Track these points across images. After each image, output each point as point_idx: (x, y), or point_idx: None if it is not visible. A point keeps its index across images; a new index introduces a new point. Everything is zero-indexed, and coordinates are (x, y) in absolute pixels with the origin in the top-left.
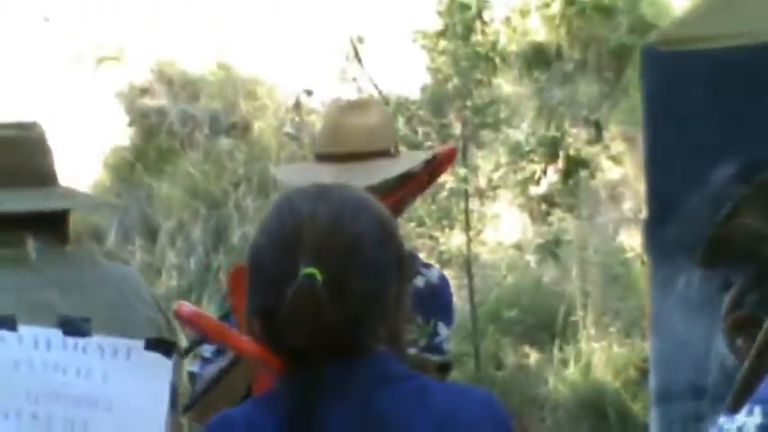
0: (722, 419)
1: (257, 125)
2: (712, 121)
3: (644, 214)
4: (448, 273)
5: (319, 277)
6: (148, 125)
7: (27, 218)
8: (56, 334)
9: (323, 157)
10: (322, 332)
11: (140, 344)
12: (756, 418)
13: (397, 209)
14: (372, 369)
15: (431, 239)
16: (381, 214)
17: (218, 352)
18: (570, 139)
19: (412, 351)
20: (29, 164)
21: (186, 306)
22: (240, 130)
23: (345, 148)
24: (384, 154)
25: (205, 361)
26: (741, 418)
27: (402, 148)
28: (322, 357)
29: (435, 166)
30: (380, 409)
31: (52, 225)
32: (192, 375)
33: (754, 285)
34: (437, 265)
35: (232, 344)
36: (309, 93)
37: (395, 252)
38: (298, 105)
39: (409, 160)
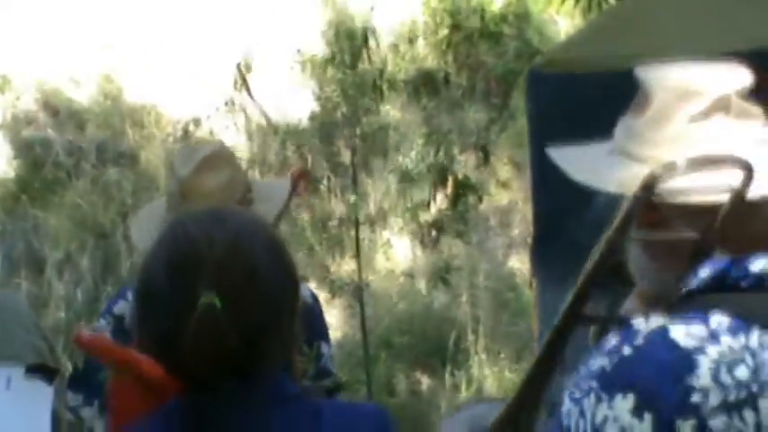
0: None
1: (144, 155)
2: (596, 141)
3: (532, 236)
4: (339, 301)
5: (218, 304)
6: (34, 156)
7: None
8: None
9: None
10: (223, 357)
11: (20, 371)
12: None
13: None
14: (268, 390)
15: (321, 268)
16: (275, 239)
17: (88, 400)
18: (459, 165)
19: (305, 383)
20: None
21: (85, 332)
22: (128, 159)
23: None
24: (243, 202)
25: (71, 412)
26: None
27: (258, 180)
28: (220, 379)
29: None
30: (276, 428)
31: None
32: None
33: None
34: (306, 286)
35: (134, 366)
36: (197, 122)
37: (289, 276)
38: (186, 134)
39: (271, 199)
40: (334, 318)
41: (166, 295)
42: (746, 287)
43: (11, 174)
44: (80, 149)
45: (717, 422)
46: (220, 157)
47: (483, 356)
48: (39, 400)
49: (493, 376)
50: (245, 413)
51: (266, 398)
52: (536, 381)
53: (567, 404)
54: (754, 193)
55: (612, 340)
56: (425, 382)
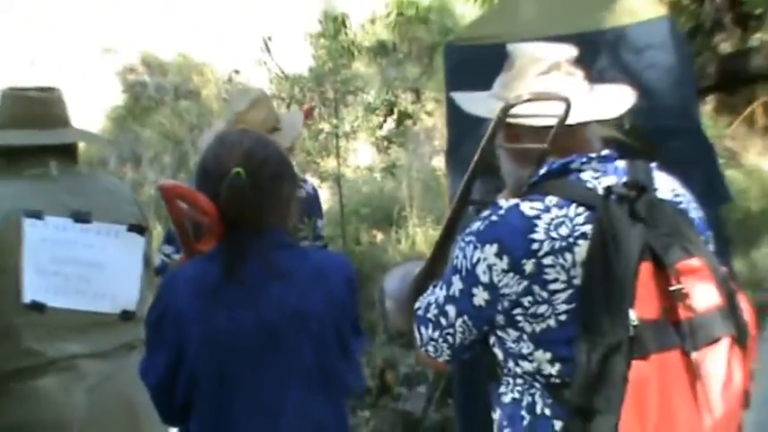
0: (429, 292)
1: (204, 92)
2: (486, 89)
3: (446, 147)
4: (325, 185)
5: (243, 175)
6: (135, 92)
7: (51, 148)
8: (69, 221)
9: None
10: (244, 210)
11: (124, 227)
12: (441, 292)
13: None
14: (273, 238)
15: (315, 164)
16: (280, 149)
17: (177, 251)
18: (401, 101)
19: (306, 243)
20: (52, 113)
21: (168, 181)
22: (194, 95)
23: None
24: (274, 130)
25: (166, 256)
26: (437, 291)
27: (283, 110)
28: (245, 229)
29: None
30: (277, 260)
31: (67, 152)
32: (156, 270)
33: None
34: (311, 180)
35: (200, 204)
36: (237, 72)
37: (288, 171)
38: (230, 80)
39: (293, 127)
40: (323, 196)
41: (214, 171)
42: (567, 176)
43: (121, 103)
44: (164, 88)
45: (548, 261)
46: (262, 99)
47: (415, 221)
48: (135, 247)
49: (421, 233)
50: (259, 250)
51: (272, 244)
52: (443, 243)
53: (456, 251)
54: (571, 119)
55: (485, 212)
56: (379, 236)
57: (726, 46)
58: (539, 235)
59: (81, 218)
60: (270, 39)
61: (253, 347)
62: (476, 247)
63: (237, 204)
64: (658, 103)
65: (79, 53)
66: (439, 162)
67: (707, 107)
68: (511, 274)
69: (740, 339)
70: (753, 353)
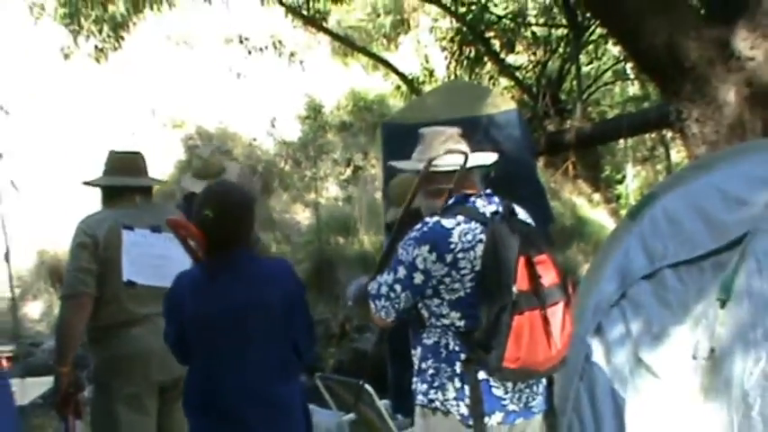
0: (377, 279)
1: (235, 151)
2: (408, 151)
3: (382, 187)
4: (308, 209)
5: (210, 215)
6: (191, 152)
7: (137, 188)
8: (148, 232)
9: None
10: (214, 238)
11: (171, 234)
12: (390, 276)
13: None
14: (240, 255)
15: (302, 196)
16: (244, 195)
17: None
18: (356, 158)
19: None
20: (138, 166)
21: (174, 217)
22: (228, 153)
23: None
24: (222, 171)
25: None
26: (386, 276)
27: (230, 163)
28: (219, 248)
29: None
30: (245, 271)
31: (147, 191)
32: None
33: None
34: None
35: (191, 231)
36: (255, 139)
37: (247, 211)
38: (250, 144)
39: (230, 176)
40: (306, 216)
41: (197, 210)
42: (467, 204)
43: (183, 158)
44: (210, 149)
45: (461, 255)
46: (215, 150)
47: (363, 231)
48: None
49: (367, 239)
50: (230, 263)
51: (239, 258)
52: (387, 254)
53: (400, 251)
54: (469, 165)
55: (418, 225)
56: (341, 240)
57: (551, 127)
58: (454, 239)
59: (155, 230)
60: (275, 119)
61: (225, 325)
62: (415, 247)
63: (208, 233)
64: (512, 161)
65: (159, 127)
66: (378, 196)
67: (540, 163)
68: (438, 264)
69: (568, 303)
70: (573, 311)
